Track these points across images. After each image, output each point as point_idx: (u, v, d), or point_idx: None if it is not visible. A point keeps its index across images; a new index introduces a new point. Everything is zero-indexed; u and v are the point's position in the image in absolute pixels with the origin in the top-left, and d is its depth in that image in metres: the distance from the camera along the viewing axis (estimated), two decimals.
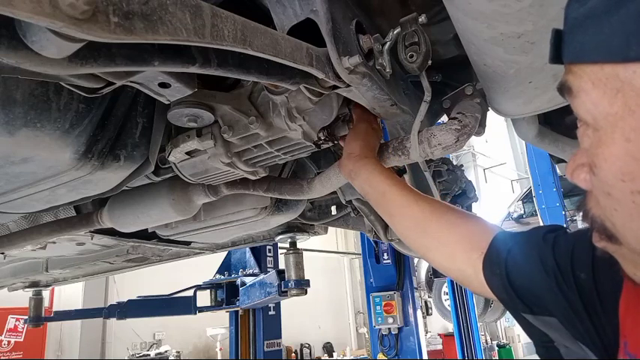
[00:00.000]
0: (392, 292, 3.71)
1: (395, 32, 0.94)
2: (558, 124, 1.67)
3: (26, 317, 3.90)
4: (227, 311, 4.38)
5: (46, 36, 0.53)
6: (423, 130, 1.14)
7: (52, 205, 1.39)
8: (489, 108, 1.29)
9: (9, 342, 7.84)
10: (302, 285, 2.71)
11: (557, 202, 6.42)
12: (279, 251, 4.36)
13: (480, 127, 1.24)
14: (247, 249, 4.35)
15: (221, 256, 4.65)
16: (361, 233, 4.13)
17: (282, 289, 3.13)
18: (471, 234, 0.86)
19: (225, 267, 4.51)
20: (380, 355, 3.79)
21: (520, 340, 14.59)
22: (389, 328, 3.73)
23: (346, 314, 14.69)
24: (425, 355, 3.84)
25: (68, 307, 6.77)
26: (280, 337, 4.37)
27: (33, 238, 1.63)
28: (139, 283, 8.36)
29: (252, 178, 1.32)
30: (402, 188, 0.97)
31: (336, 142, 1.19)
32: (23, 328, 7.87)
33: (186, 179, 1.31)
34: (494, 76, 1.08)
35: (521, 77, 1.04)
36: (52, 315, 4.22)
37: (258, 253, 4.37)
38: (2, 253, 2.15)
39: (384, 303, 3.68)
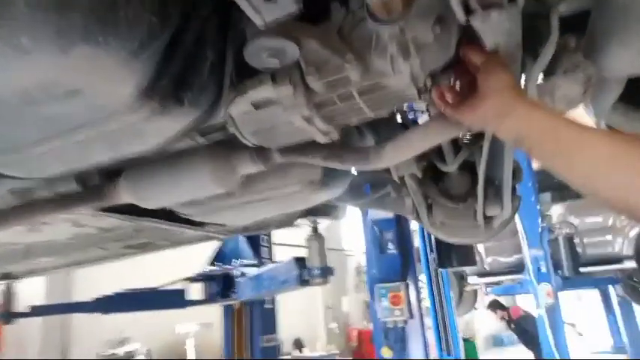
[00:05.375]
0: (399, 283, 3.55)
1: None
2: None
3: None
4: (222, 305, 4.12)
5: None
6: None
7: (70, 168, 1.14)
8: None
9: None
10: (327, 273, 2.50)
11: (532, 197, 6.44)
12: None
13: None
14: (241, 238, 4.10)
15: (206, 246, 4.36)
16: (362, 221, 3.97)
17: (304, 277, 2.90)
18: None
19: (218, 257, 4.23)
20: (385, 350, 3.63)
21: (478, 334, 14.76)
22: (395, 321, 3.57)
23: (317, 310, 14.54)
24: (430, 348, 3.72)
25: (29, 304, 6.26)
26: (274, 332, 4.14)
27: (35, 214, 1.36)
28: (106, 280, 7.87)
29: (322, 140, 1.11)
30: (574, 122, 0.77)
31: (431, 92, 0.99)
32: None
33: (242, 139, 1.08)
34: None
35: None
36: (30, 310, 3.80)
37: (255, 244, 4.14)
38: None
39: (390, 294, 3.52)
